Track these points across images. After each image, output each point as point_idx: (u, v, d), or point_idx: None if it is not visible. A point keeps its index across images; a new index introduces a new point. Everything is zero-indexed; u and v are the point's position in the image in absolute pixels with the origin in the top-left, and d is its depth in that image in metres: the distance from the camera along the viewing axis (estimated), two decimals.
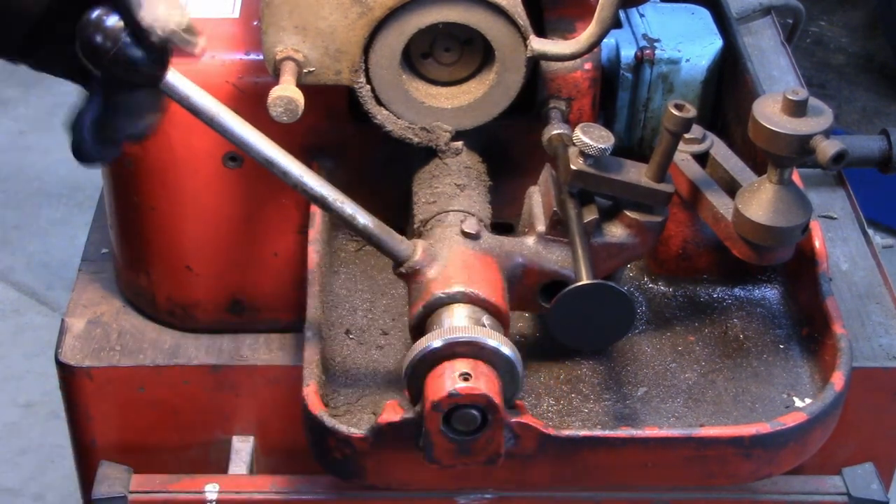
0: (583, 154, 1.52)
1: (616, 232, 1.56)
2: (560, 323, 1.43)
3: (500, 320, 1.45)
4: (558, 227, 1.54)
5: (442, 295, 1.44)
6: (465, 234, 1.51)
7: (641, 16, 1.89)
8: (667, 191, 1.54)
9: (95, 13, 1.35)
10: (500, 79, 1.62)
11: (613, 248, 1.56)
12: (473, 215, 1.56)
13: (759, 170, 1.58)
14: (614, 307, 1.42)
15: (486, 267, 1.49)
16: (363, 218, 1.47)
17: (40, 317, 3.65)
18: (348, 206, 1.47)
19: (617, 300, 1.41)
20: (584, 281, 1.41)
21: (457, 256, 1.48)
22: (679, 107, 1.49)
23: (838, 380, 1.51)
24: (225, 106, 1.43)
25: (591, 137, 1.51)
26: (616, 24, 1.80)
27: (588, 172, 1.52)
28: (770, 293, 1.72)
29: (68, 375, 1.82)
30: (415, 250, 1.49)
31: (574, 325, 1.43)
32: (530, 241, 1.55)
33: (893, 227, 3.65)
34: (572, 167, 1.52)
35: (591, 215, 1.54)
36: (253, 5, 1.74)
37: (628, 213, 1.56)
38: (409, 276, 1.49)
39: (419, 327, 1.45)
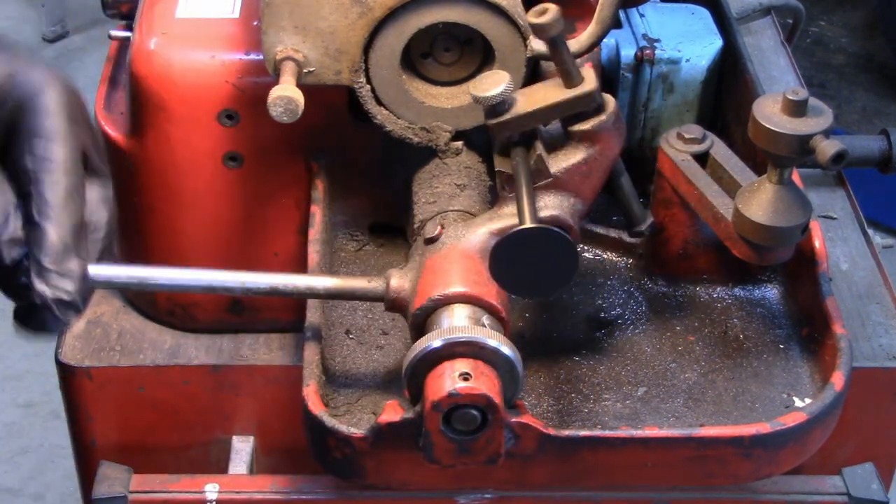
0: (490, 108, 1.49)
1: (574, 152, 1.52)
2: (503, 272, 1.40)
3: (489, 309, 1.43)
4: (511, 183, 1.51)
5: (418, 312, 1.44)
6: (428, 241, 1.50)
7: (641, 16, 1.89)
8: (587, 90, 1.48)
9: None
10: None
11: (581, 168, 1.52)
12: (438, 214, 1.54)
13: (759, 170, 1.58)
14: (557, 252, 1.39)
15: (455, 262, 1.47)
16: (322, 283, 1.47)
17: None
18: (301, 281, 1.47)
19: (559, 244, 1.38)
20: (525, 225, 1.39)
21: (425, 267, 1.47)
22: (540, 12, 1.42)
23: (838, 380, 1.51)
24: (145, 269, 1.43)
25: (483, 89, 1.48)
26: (616, 24, 1.80)
27: (503, 121, 1.49)
28: (770, 293, 1.72)
29: (68, 375, 1.82)
30: (388, 282, 1.48)
31: (518, 273, 1.40)
32: (497, 208, 1.53)
33: (893, 227, 3.65)
34: (488, 123, 1.50)
35: (534, 154, 1.50)
36: (253, 5, 1.74)
37: (574, 128, 1.51)
38: (394, 306, 1.48)
39: (418, 335, 1.45)
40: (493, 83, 1.48)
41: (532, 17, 1.43)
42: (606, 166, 1.55)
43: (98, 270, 1.31)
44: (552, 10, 1.42)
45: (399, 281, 1.48)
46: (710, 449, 1.46)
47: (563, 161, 1.52)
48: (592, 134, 1.52)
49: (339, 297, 1.47)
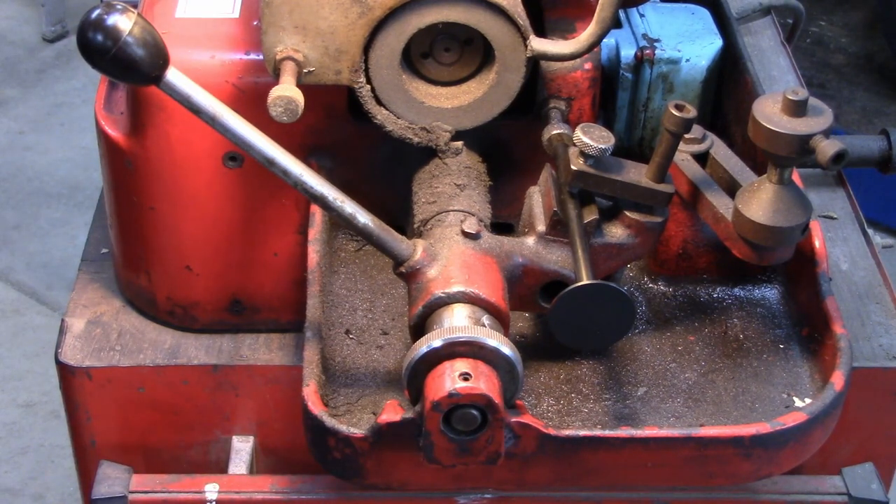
0: (583, 154, 1.52)
1: (616, 232, 1.56)
2: (560, 323, 1.43)
3: (500, 320, 1.45)
4: (558, 228, 1.54)
5: (442, 294, 1.44)
6: (466, 234, 1.51)
7: (641, 16, 1.89)
8: (667, 191, 1.55)
9: (95, 13, 1.35)
10: (500, 79, 1.62)
11: (613, 249, 1.56)
12: (473, 215, 1.56)
13: (759, 170, 1.58)
14: (614, 307, 1.42)
15: (486, 267, 1.49)
16: (363, 217, 1.48)
17: (40, 317, 3.65)
18: (348, 206, 1.47)
19: (617, 300, 1.41)
20: (585, 281, 1.41)
21: (457, 256, 1.48)
22: (679, 107, 1.49)
23: (838, 380, 1.51)
24: (226, 105, 1.43)
25: (592, 137, 1.51)
26: (616, 24, 1.80)
27: (588, 173, 1.52)
28: (770, 293, 1.72)
29: (68, 375, 1.82)
30: (415, 250, 1.49)
31: (574, 326, 1.43)
32: (530, 241, 1.55)
33: (893, 227, 3.65)
34: (573, 167, 1.52)
35: (591, 216, 1.54)
36: (253, 5, 1.74)
37: (628, 213, 1.56)
38: (409, 275, 1.49)
39: (419, 327, 1.45)
40: (601, 138, 1.51)
41: (674, 110, 1.49)
42: (631, 259, 1.61)
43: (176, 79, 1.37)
44: (691, 110, 1.49)
45: (425, 255, 1.48)
46: (710, 449, 1.46)
47: (605, 234, 1.56)
48: (643, 227, 1.56)
49: (368, 239, 1.47)
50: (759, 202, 1.50)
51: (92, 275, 1.97)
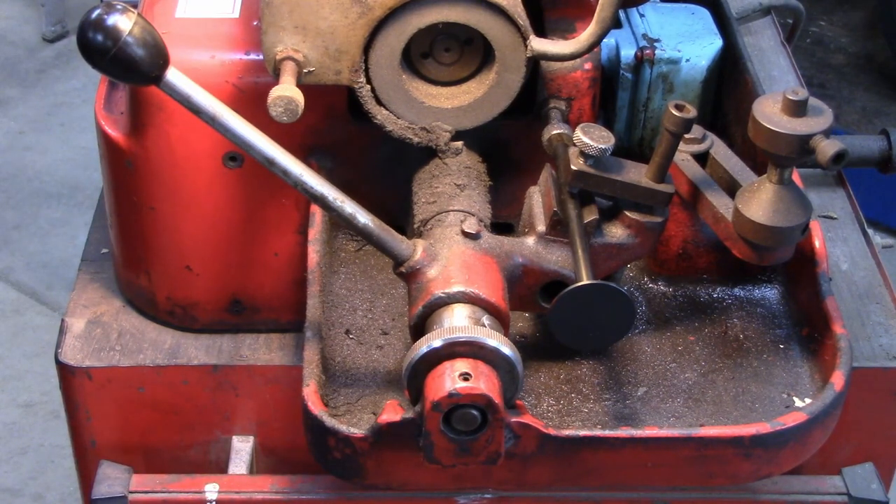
0: (583, 154, 1.52)
1: (616, 232, 1.56)
2: (560, 323, 1.43)
3: (500, 320, 1.45)
4: (558, 228, 1.54)
5: (442, 294, 1.44)
6: (466, 234, 1.51)
7: (641, 16, 1.89)
8: (667, 191, 1.55)
9: (95, 13, 1.35)
10: (500, 79, 1.62)
11: (613, 249, 1.56)
12: (473, 215, 1.56)
13: (759, 170, 1.58)
14: (614, 307, 1.42)
15: (486, 267, 1.49)
16: (363, 217, 1.48)
17: (40, 317, 3.65)
18: (348, 206, 1.47)
19: (617, 300, 1.41)
20: (585, 281, 1.41)
21: (457, 256, 1.48)
22: (679, 107, 1.49)
23: (838, 380, 1.51)
24: (226, 105, 1.43)
25: (592, 137, 1.51)
26: (616, 24, 1.80)
27: (588, 173, 1.53)
28: (770, 293, 1.72)
29: (68, 375, 1.82)
30: (415, 250, 1.49)
31: (574, 326, 1.43)
32: (530, 241, 1.55)
33: (893, 227, 3.65)
34: (572, 167, 1.52)
35: (591, 216, 1.54)
36: (253, 5, 1.74)
37: (628, 213, 1.56)
38: (410, 275, 1.49)
39: (419, 327, 1.45)
40: (601, 138, 1.51)
41: (674, 110, 1.48)
42: (631, 260, 1.61)
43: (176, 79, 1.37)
44: (691, 110, 1.48)
45: (425, 255, 1.48)
46: (710, 449, 1.46)
47: (605, 234, 1.56)
48: (643, 227, 1.56)
49: (368, 239, 1.48)
50: (759, 202, 1.50)
51: (92, 275, 1.97)
